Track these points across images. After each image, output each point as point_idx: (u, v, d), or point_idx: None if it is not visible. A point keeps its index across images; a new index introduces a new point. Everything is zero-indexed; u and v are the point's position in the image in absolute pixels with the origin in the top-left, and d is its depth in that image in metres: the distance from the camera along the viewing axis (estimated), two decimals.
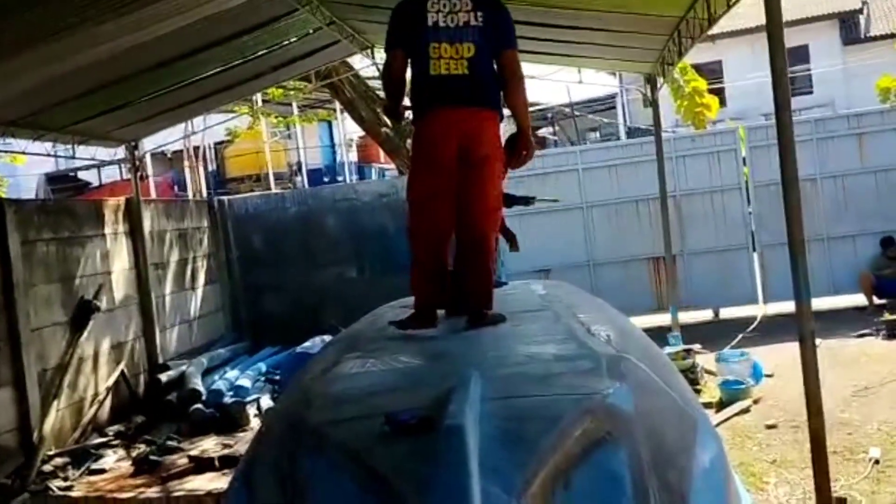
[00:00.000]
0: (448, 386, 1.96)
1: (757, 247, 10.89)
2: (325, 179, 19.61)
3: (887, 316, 8.84)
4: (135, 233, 8.91)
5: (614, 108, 22.93)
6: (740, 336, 9.05)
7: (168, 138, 12.78)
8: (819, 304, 9.15)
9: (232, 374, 9.06)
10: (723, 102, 19.65)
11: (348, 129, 19.30)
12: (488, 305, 3.27)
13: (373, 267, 11.22)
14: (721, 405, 6.70)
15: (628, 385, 2.10)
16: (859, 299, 10.24)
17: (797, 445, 5.43)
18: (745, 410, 6.53)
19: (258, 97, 13.81)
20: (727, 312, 11.04)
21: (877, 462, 4.95)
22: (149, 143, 11.48)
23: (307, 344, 9.33)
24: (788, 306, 10.64)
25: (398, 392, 2.19)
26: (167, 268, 9.71)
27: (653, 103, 9.15)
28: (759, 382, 7.13)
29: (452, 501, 1.40)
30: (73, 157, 8.97)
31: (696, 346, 8.29)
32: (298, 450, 1.95)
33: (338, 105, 14.99)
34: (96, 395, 7.93)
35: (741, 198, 11.05)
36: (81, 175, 21.17)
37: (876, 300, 9.95)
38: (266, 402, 8.67)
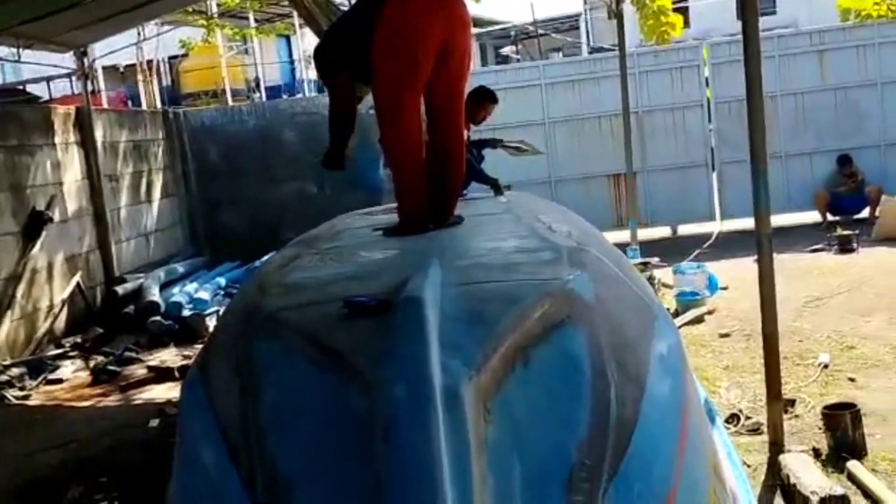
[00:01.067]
0: (407, 273, 1.93)
1: (716, 164, 10.96)
2: (284, 97, 19.21)
3: (840, 231, 9.00)
4: (86, 143, 8.67)
5: (578, 28, 22.66)
6: (697, 252, 9.17)
7: (120, 48, 12.33)
8: (775, 220, 9.23)
9: (190, 287, 8.99)
10: (687, 23, 19.51)
11: (308, 44, 18.80)
12: (452, 212, 3.23)
13: (333, 183, 11.06)
14: (677, 316, 6.83)
15: (588, 274, 2.09)
16: (814, 216, 10.41)
17: (749, 352, 5.56)
18: (700, 320, 6.66)
19: (213, 4, 13.33)
20: (685, 229, 11.19)
21: (825, 367, 5.09)
22: (100, 54, 11.04)
23: (267, 259, 9.29)
24: (745, 223, 10.86)
25: (356, 280, 2.16)
26: (121, 180, 9.50)
27: (617, 15, 9.03)
28: (714, 294, 7.26)
29: (410, 373, 1.38)
30: (18, 62, 8.60)
31: (654, 260, 8.40)
32: (254, 336, 1.92)
33: (297, 19, 14.54)
34: (51, 306, 7.83)
35: (703, 115, 11.06)
36: (31, 88, 20.45)
37: (830, 217, 10.13)
38: None
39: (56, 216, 7.86)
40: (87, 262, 8.55)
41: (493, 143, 5.94)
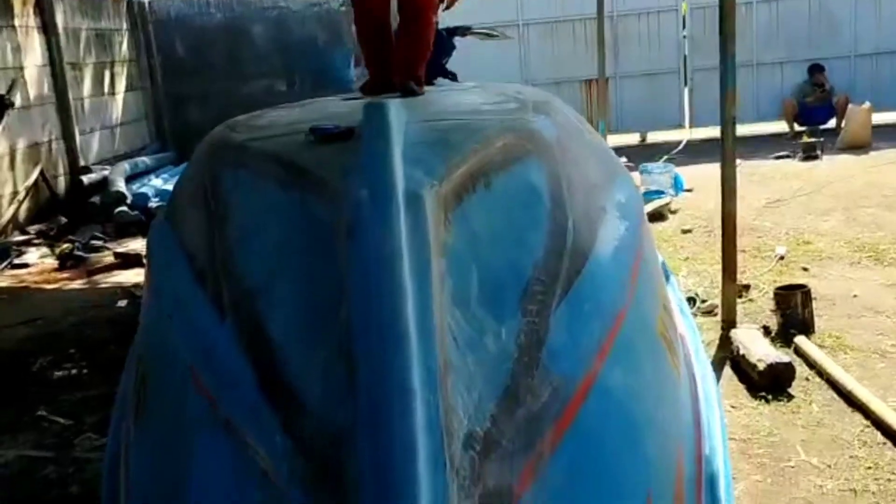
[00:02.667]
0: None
1: (689, 70, 10.94)
2: None
3: (805, 139, 9.11)
4: (47, 28, 8.41)
5: None
6: (665, 157, 9.23)
7: None
8: (743, 130, 9.38)
9: (157, 181, 8.92)
10: None
11: None
12: (419, 79, 3.23)
13: (303, 80, 10.91)
14: None
15: (552, 120, 2.14)
16: (782, 126, 10.49)
17: (709, 247, 5.69)
18: (664, 217, 6.76)
19: None
20: (654, 136, 11.24)
21: (781, 258, 5.24)
22: None
23: None
24: (714, 132, 10.93)
25: (321, 119, 2.18)
26: (84, 69, 9.27)
27: None
28: (679, 194, 7.37)
29: (374, 178, 1.41)
30: None
31: (623, 160, 8.46)
32: (221, 166, 1.94)
33: None
34: (15, 193, 7.73)
35: (677, 20, 10.98)
36: None
37: (797, 127, 10.21)
38: None
39: (18, 101, 7.67)
40: (51, 150, 8.41)
41: (463, 31, 5.87)
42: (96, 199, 8.08)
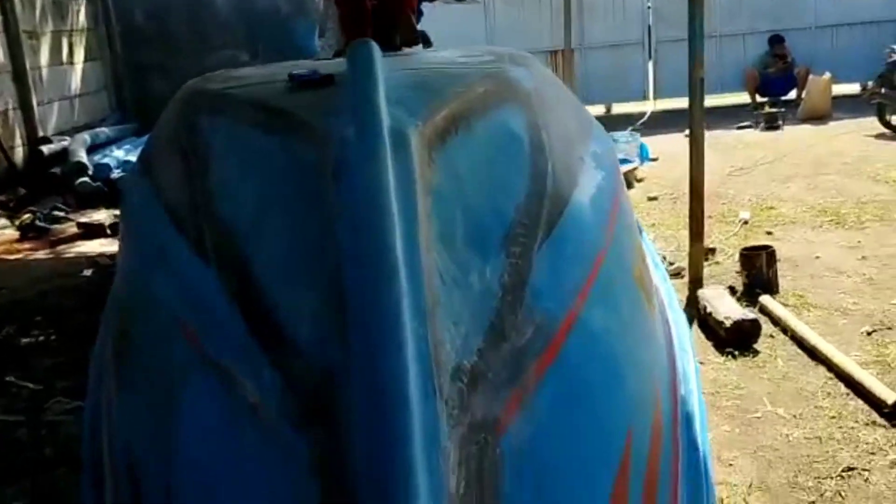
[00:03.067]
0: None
1: (653, 42, 11.00)
2: None
3: (767, 109, 9.24)
4: None
5: None
6: (629, 129, 9.31)
7: None
8: (706, 101, 9.37)
9: (118, 153, 8.77)
10: None
11: None
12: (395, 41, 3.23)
13: (267, 51, 10.73)
14: None
15: (529, 72, 2.15)
16: (745, 98, 10.61)
17: (675, 213, 5.77)
18: (630, 185, 6.82)
19: None
20: (619, 108, 11.31)
21: (746, 223, 5.34)
22: None
23: None
24: (678, 103, 11.04)
25: (300, 69, 2.16)
26: (41, 38, 9.04)
27: None
28: (644, 163, 7.44)
29: (359, 117, 1.41)
30: None
31: None
32: (198, 113, 1.92)
33: None
34: None
35: None
36: None
37: (759, 98, 10.34)
38: None
39: None
40: (7, 120, 8.21)
41: None
42: (56, 169, 7.92)
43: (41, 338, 4.19)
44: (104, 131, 9.25)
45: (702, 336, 3.56)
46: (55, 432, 3.13)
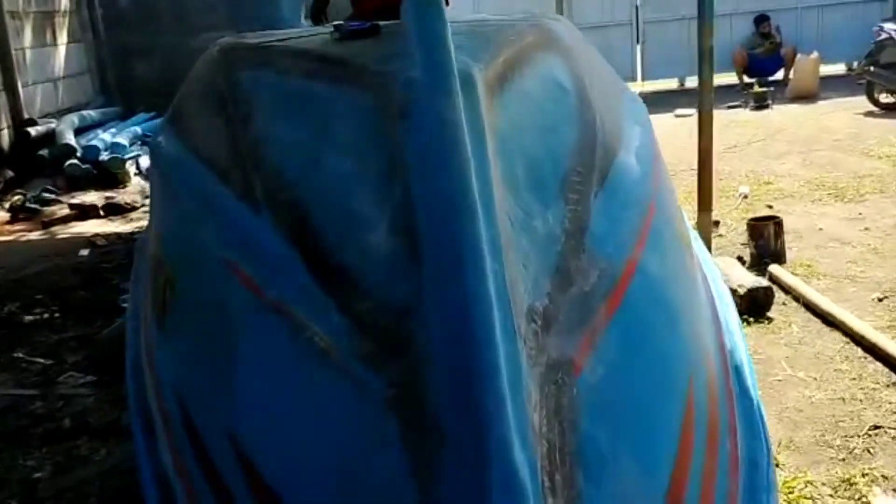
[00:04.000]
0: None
1: (640, 23, 11.00)
2: None
3: (756, 89, 9.28)
4: None
5: None
6: None
7: None
8: (694, 82, 9.46)
9: (105, 135, 8.64)
10: None
11: None
12: None
13: (252, 32, 10.64)
14: None
15: (568, 29, 2.15)
16: (733, 77, 10.65)
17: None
18: None
19: None
20: None
21: (745, 197, 5.37)
22: None
23: None
24: (666, 84, 11.08)
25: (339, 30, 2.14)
26: (24, 19, 8.89)
27: None
28: None
29: (426, 59, 1.38)
30: None
31: None
32: (240, 69, 1.89)
33: None
34: None
35: None
36: None
37: (747, 78, 10.38)
38: (146, 161, 8.43)
39: None
40: None
41: None
42: (44, 152, 7.80)
43: (45, 315, 4.12)
44: (90, 114, 9.12)
45: None
46: (71, 404, 3.09)
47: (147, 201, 7.26)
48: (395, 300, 1.20)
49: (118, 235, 5.81)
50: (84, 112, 9.11)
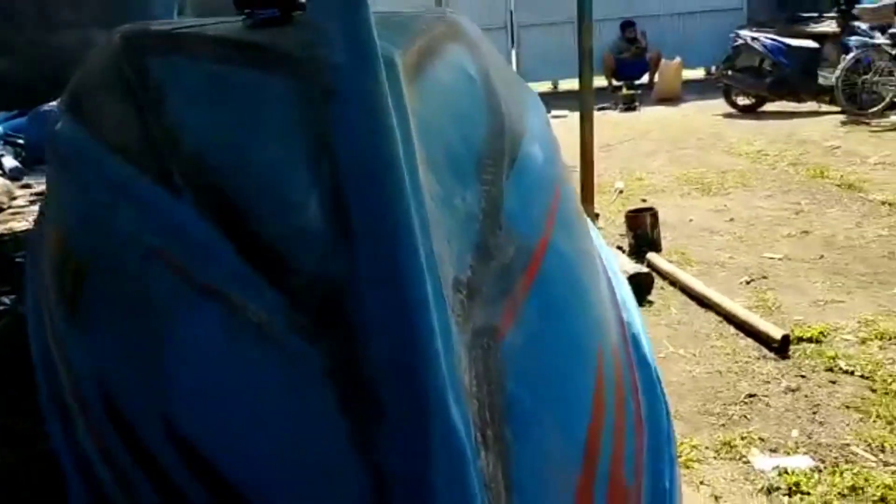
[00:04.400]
0: None
1: (514, 26, 11.33)
2: None
3: (624, 91, 9.75)
4: None
5: None
6: None
7: None
8: (567, 84, 9.87)
9: None
10: None
11: None
12: None
13: None
14: None
15: (470, 23, 2.24)
16: (602, 81, 11.12)
17: None
18: None
19: None
20: None
21: (621, 192, 5.65)
22: None
23: (54, 103, 8.60)
24: (539, 87, 11.42)
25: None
26: None
27: None
28: None
29: (349, 42, 1.43)
30: None
31: None
32: (148, 56, 1.87)
33: None
34: None
35: None
36: None
37: (615, 82, 10.88)
38: (10, 161, 8.05)
39: None
40: None
41: None
42: None
43: None
44: None
45: None
46: None
47: (15, 202, 6.93)
48: (329, 275, 1.24)
49: None
50: None
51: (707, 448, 2.45)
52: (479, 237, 1.45)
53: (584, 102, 4.17)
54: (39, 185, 7.36)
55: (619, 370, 1.67)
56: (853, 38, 8.14)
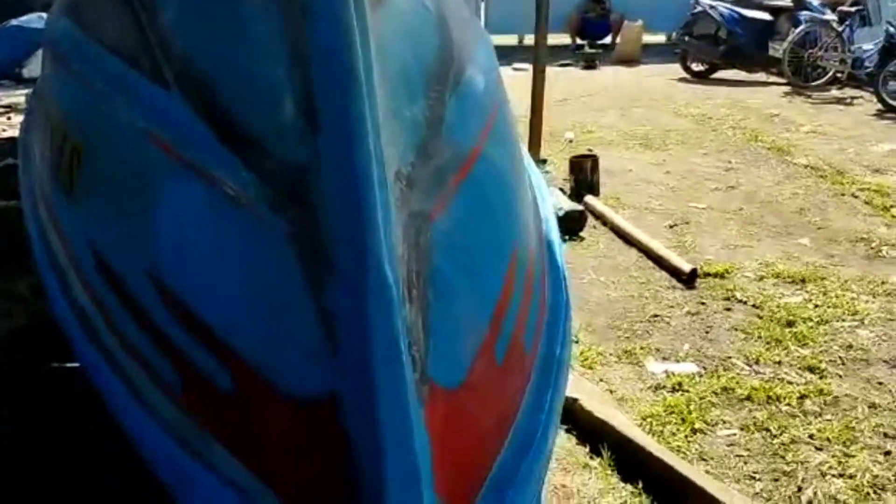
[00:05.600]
0: None
1: None
2: None
3: (586, 50, 10.05)
4: None
5: None
6: None
7: None
8: (530, 40, 10.02)
9: None
10: None
11: None
12: None
13: None
14: None
15: None
16: (566, 40, 11.38)
17: None
18: None
19: None
20: None
21: (570, 141, 5.99)
22: None
23: (23, 18, 8.62)
24: (505, 39, 11.66)
25: None
26: None
27: None
28: None
29: None
30: None
31: None
32: None
33: None
34: None
35: None
36: None
37: (579, 40, 11.15)
38: None
39: None
40: None
41: None
42: None
43: None
44: None
45: None
46: None
47: None
48: (296, 159, 1.54)
49: None
50: None
51: (610, 355, 2.83)
52: (420, 141, 1.76)
53: (537, 56, 4.47)
54: (7, 98, 7.47)
55: (531, 264, 2.02)
56: (804, 13, 8.52)
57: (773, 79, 8.76)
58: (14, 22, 8.48)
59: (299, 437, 1.38)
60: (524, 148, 3.34)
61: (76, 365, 1.96)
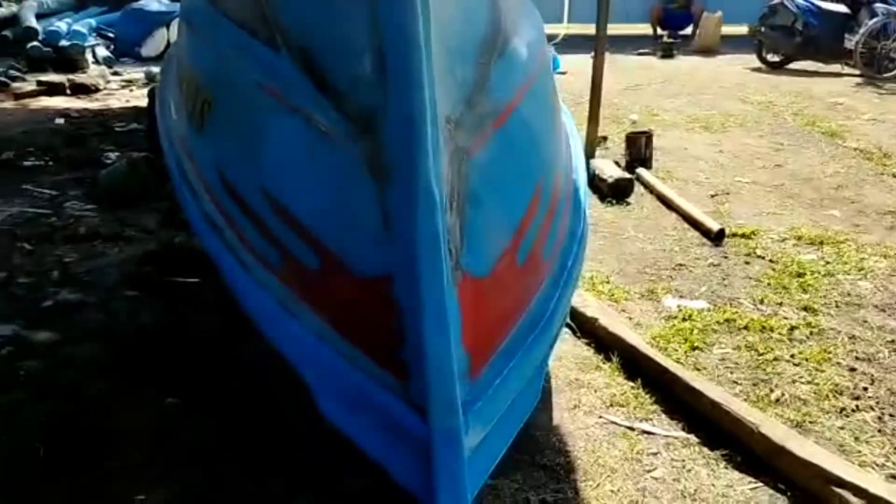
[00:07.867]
0: None
1: None
2: None
3: (665, 40, 10.36)
4: None
5: None
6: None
7: None
8: (613, 30, 10.34)
9: (61, 24, 9.13)
10: None
11: None
12: None
13: None
14: None
15: None
16: (648, 30, 11.71)
17: (576, 114, 6.77)
18: None
19: None
20: None
21: (634, 122, 6.41)
22: None
23: (142, 2, 9.51)
24: (587, 29, 12.02)
25: None
26: None
27: None
28: (554, 72, 8.42)
29: None
30: None
31: None
32: None
33: None
34: None
35: None
36: None
37: (661, 31, 11.45)
38: (102, 51, 8.96)
39: None
40: None
41: None
42: (7, 33, 8.28)
43: (39, 163, 4.87)
44: (47, 1, 9.54)
45: (590, 192, 4.60)
46: (80, 222, 3.91)
47: (109, 85, 7.89)
48: (370, 103, 2.09)
49: (87, 110, 6.49)
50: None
51: (635, 293, 3.31)
52: (468, 95, 2.29)
53: (598, 43, 4.96)
54: (128, 74, 8.33)
55: (555, 196, 2.53)
56: (880, 5, 8.65)
57: (847, 70, 8.91)
58: (135, 5, 9.36)
59: (364, 303, 1.93)
60: (567, 111, 3.84)
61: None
